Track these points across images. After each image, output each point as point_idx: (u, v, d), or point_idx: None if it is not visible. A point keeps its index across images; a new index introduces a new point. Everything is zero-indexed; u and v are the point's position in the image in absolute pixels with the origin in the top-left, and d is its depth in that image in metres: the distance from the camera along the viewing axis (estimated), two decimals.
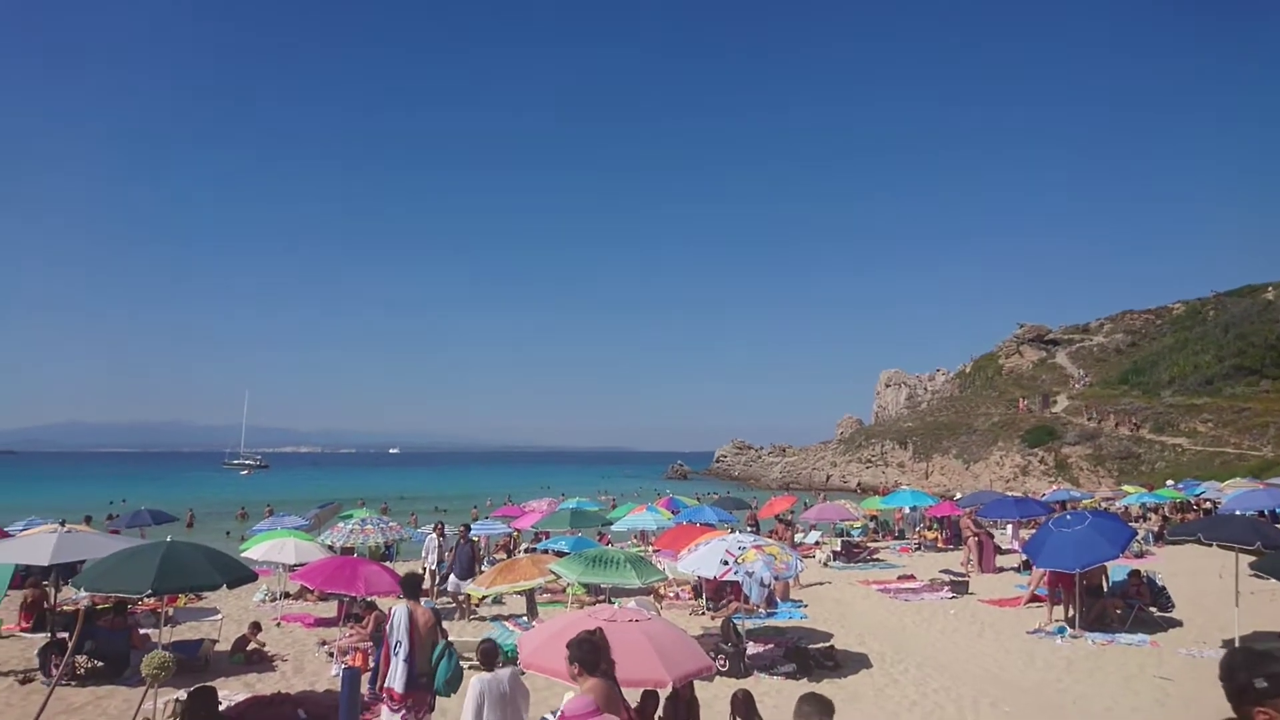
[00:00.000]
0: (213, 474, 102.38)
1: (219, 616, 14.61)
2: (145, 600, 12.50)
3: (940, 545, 26.05)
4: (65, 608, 13.56)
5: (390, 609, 7.31)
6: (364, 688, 8.19)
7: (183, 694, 9.06)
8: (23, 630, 13.45)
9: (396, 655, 7.01)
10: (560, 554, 15.74)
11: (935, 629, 14.06)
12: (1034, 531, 18.09)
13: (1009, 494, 33.61)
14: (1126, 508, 31.50)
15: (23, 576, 16.23)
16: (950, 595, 16.96)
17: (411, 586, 7.60)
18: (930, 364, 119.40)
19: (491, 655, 6.61)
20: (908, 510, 29.46)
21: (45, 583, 14.65)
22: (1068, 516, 14.98)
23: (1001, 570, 20.33)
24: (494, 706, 5.97)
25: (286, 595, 17.35)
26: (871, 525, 29.52)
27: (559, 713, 4.94)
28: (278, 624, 14.54)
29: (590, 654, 4.87)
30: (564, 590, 16.15)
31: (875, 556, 23.78)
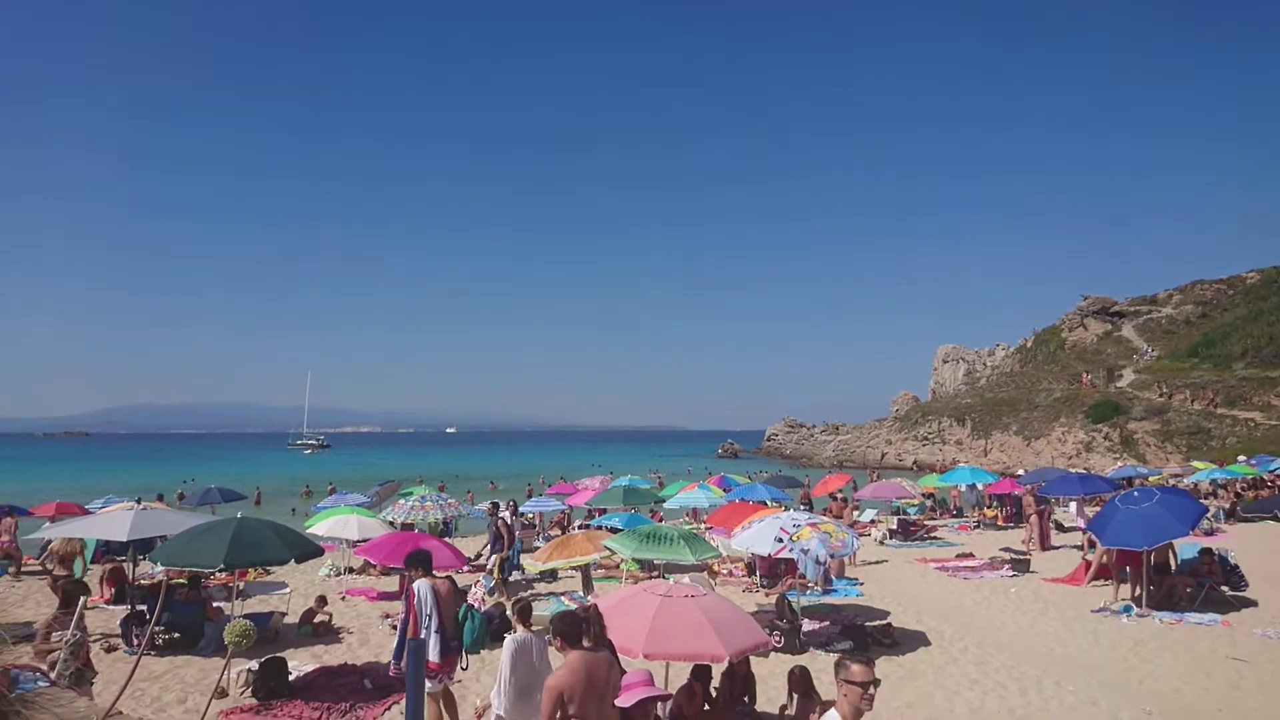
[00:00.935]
0: (278, 453, 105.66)
1: (287, 590, 15.10)
2: (217, 574, 13.11)
3: (1000, 523, 25.56)
4: (143, 581, 14.17)
5: (412, 586, 7.58)
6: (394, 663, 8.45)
7: (254, 664, 9.42)
8: (105, 602, 14.12)
9: (428, 628, 7.33)
10: (614, 530, 15.89)
11: (995, 607, 13.83)
12: (1099, 509, 17.63)
13: (1072, 470, 32.75)
14: (1196, 484, 30.46)
15: (103, 552, 17.05)
16: (1011, 574, 16.66)
17: (423, 562, 7.87)
18: (989, 338, 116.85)
19: (526, 614, 6.92)
20: (965, 488, 28.91)
21: (122, 558, 15.35)
22: (1135, 493, 14.56)
23: (1059, 548, 19.90)
24: (525, 661, 6.34)
25: (350, 570, 17.86)
26: (928, 503, 29.06)
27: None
28: (343, 598, 14.98)
29: (571, 628, 5.17)
30: (618, 566, 16.33)
31: (933, 535, 23.44)
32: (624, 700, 4.97)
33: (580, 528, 22.89)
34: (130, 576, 14.27)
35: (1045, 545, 19.97)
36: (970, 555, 19.16)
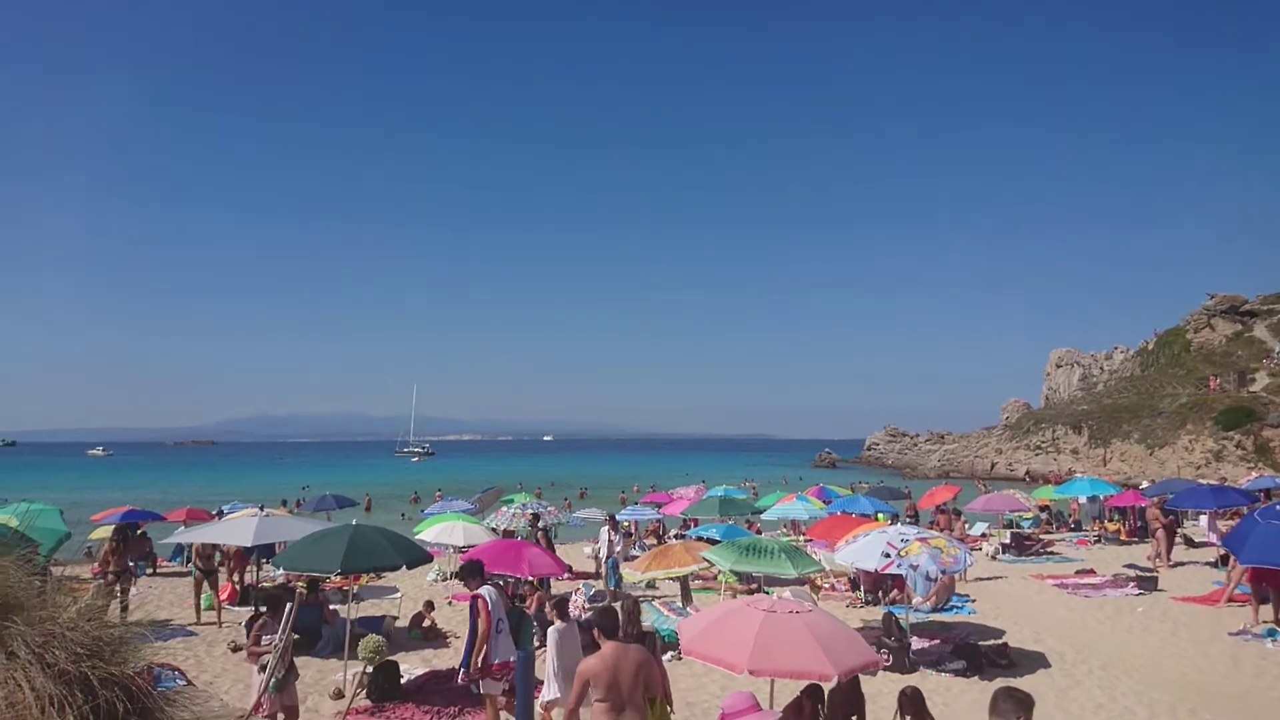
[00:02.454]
0: (386, 461, 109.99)
1: (398, 595, 15.64)
2: (333, 579, 13.71)
3: (1123, 538, 24.07)
4: (264, 584, 14.95)
5: (480, 593, 7.87)
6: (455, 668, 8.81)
7: (369, 667, 9.78)
8: (228, 603, 14.96)
9: (500, 632, 7.81)
10: (712, 541, 15.76)
11: (1121, 628, 13.01)
12: (1234, 523, 16.36)
13: (1202, 482, 30.54)
14: None
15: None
16: (1137, 592, 15.64)
17: (478, 571, 8.24)
18: (1106, 341, 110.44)
19: (563, 607, 7.99)
20: (1085, 500, 27.37)
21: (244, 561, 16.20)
22: (1277, 506, 13.43)
23: (1187, 564, 18.59)
24: (569, 648, 7.26)
25: (454, 576, 18.35)
26: (1044, 516, 27.67)
27: (720, 711, 5.06)
28: (449, 602, 15.40)
29: (608, 620, 5.97)
30: (715, 578, 16.18)
31: (1049, 549, 22.29)
32: None
33: (676, 537, 22.86)
34: (254, 579, 15.09)
35: (1170, 560, 18.70)
36: (1091, 571, 18.10)
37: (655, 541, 23.56)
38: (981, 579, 17.66)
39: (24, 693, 3.63)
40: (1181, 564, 18.76)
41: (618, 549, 16.53)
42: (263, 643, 7.77)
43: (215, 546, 15.46)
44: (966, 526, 23.97)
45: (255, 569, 15.45)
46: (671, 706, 6.37)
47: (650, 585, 16.32)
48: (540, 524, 19.03)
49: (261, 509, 18.61)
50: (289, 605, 7.61)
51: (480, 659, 7.69)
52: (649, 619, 13.24)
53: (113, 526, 17.04)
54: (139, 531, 17.19)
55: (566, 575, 16.59)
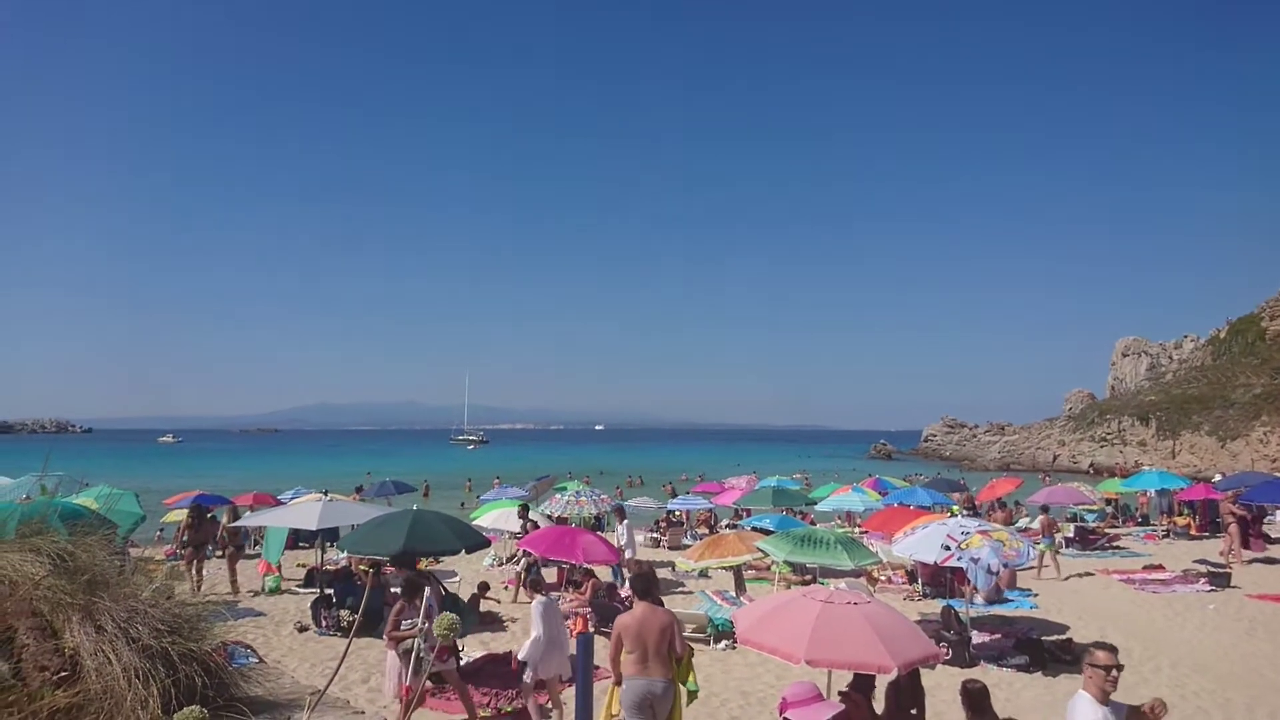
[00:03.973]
0: (441, 449, 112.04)
1: (457, 579, 15.93)
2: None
3: (1193, 533, 23.25)
4: (329, 567, 15.38)
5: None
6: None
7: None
8: (295, 586, 15.43)
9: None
10: (766, 532, 15.68)
11: (1191, 625, 12.58)
12: None
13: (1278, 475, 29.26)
14: None
15: (295, 539, 18.66)
16: (1209, 588, 15.10)
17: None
18: (1176, 329, 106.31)
19: (539, 585, 8.68)
20: (1154, 494, 26.49)
21: (303, 544, 16.73)
22: None
23: (1262, 561, 17.84)
24: (551, 619, 8.03)
25: (511, 560, 18.63)
26: (1109, 510, 26.86)
27: (780, 699, 5.03)
28: (505, 587, 15.63)
29: (642, 582, 6.78)
30: (769, 568, 16.11)
31: (1115, 544, 21.64)
32: (804, 715, 4.87)
33: (728, 527, 22.82)
34: (319, 562, 15.53)
35: (1243, 556, 17.98)
36: (1160, 567, 17.52)
37: (707, 531, 23.55)
38: (1041, 571, 17.25)
39: (112, 665, 3.82)
40: (1258, 560, 18.05)
41: (623, 540, 16.32)
42: (403, 627, 7.94)
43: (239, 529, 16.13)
44: (1026, 519, 23.39)
45: (320, 551, 15.89)
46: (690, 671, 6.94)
47: (703, 574, 16.33)
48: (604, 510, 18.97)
49: (325, 494, 19.20)
50: (426, 589, 7.87)
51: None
52: (701, 608, 13.26)
53: (185, 510, 17.83)
54: (209, 515, 17.89)
55: (618, 563, 16.68)
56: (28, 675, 3.70)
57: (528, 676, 7.88)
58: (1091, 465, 60.10)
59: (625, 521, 16.96)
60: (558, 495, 21.73)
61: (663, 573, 17.14)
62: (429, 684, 9.49)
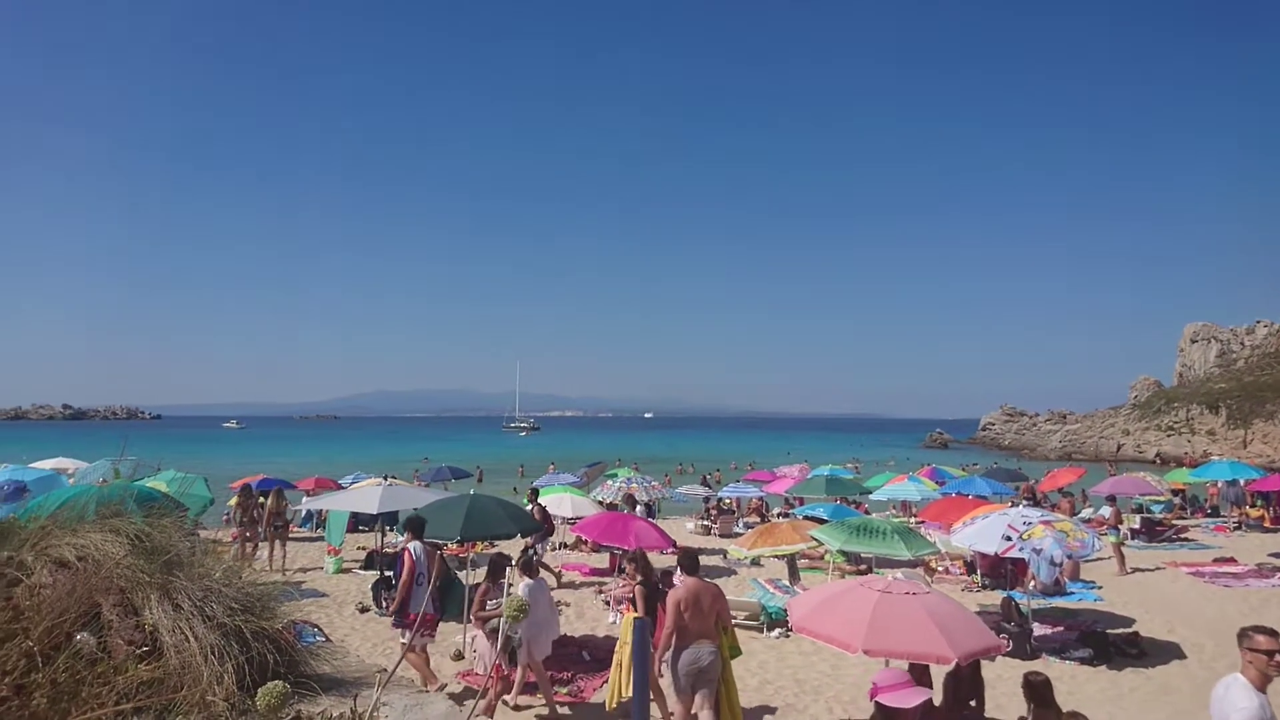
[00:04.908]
0: (494, 435, 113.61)
1: (512, 563, 16.15)
2: (452, 545, 14.29)
3: (1267, 525, 22.33)
4: (389, 550, 15.74)
5: (408, 546, 8.78)
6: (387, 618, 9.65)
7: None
8: (358, 567, 15.82)
9: (420, 585, 8.51)
10: (820, 521, 15.54)
11: (1267, 620, 11.97)
12: None
13: None
14: None
15: (355, 523, 19.12)
16: None
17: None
18: (1248, 314, 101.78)
19: (529, 567, 8.84)
20: (1224, 484, 25.48)
21: (364, 527, 17.14)
22: None
23: None
24: (540, 600, 8.20)
25: (564, 545, 18.81)
26: (1177, 501, 25.95)
27: (871, 684, 5.02)
28: (558, 572, 15.80)
29: (689, 560, 7.49)
30: (822, 557, 15.98)
31: (1183, 535, 20.93)
32: (896, 699, 4.83)
33: (780, 516, 22.67)
34: (379, 545, 15.90)
35: None
36: (1231, 560, 16.88)
37: (758, 520, 23.44)
38: (1107, 561, 16.77)
39: (189, 642, 3.97)
40: None
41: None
42: (488, 607, 8.11)
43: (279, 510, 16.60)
44: (1090, 510, 22.74)
45: (380, 534, 16.27)
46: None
47: (755, 562, 16.28)
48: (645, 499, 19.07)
49: (386, 478, 19.64)
50: (508, 568, 8.07)
51: (395, 607, 8.59)
52: (754, 595, 13.23)
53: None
54: (258, 497, 18.54)
55: (671, 550, 16.72)
56: (113, 649, 3.87)
57: (522, 656, 8.15)
58: (1158, 455, 58.26)
59: (638, 510, 17.06)
60: (609, 481, 21.84)
61: (714, 560, 17.14)
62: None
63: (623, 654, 7.67)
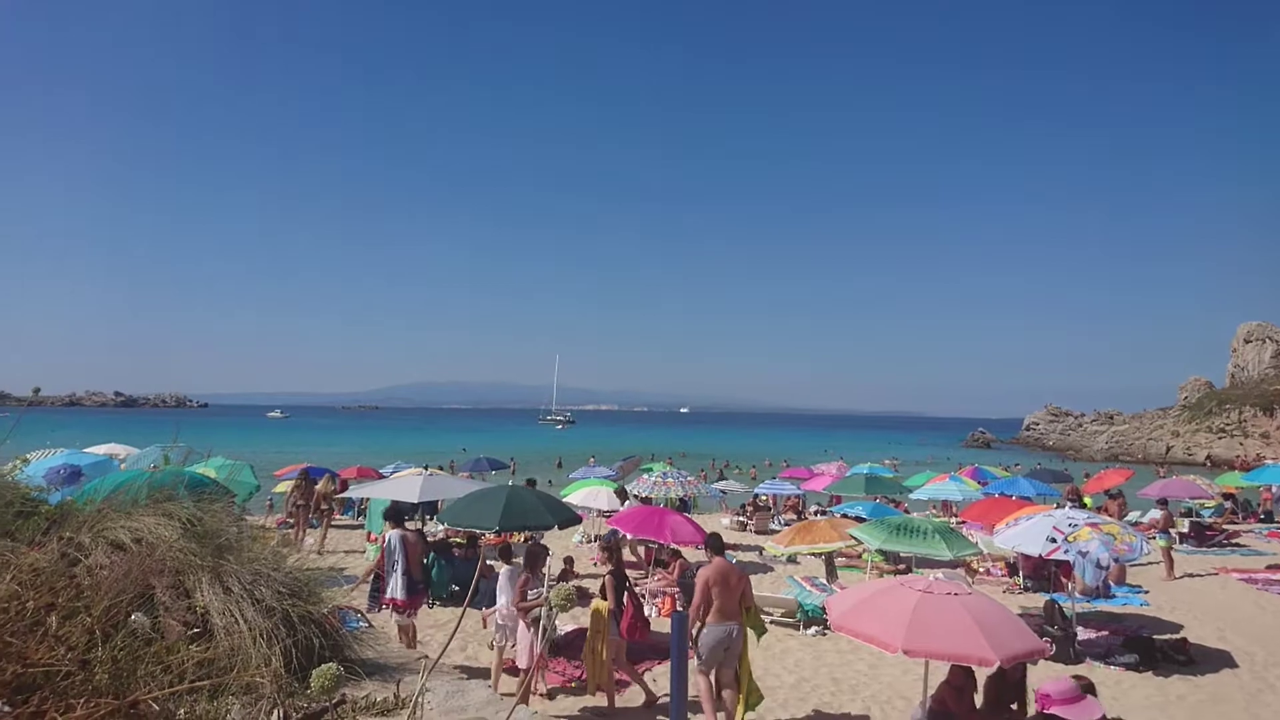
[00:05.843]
0: (530, 428, 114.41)
1: (549, 554, 16.26)
2: (489, 536, 14.44)
3: None
4: (428, 539, 15.95)
5: (384, 535, 9.41)
6: (365, 603, 9.99)
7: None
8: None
9: (395, 570, 9.04)
10: (859, 519, 15.40)
11: None
12: None
13: None
14: None
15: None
16: None
17: (397, 515, 9.69)
18: None
19: (507, 554, 9.46)
20: (1277, 488, 24.72)
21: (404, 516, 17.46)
22: None
23: None
24: (509, 584, 8.55)
25: (599, 538, 18.88)
26: (1228, 505, 25.22)
27: (1039, 692, 4.94)
28: (594, 564, 15.88)
29: (717, 542, 8.09)
30: (860, 556, 15.83)
31: (1235, 541, 20.35)
32: (1073, 712, 4.73)
33: (818, 513, 22.49)
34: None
35: None
36: None
37: (795, 517, 23.29)
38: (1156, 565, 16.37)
39: (239, 624, 4.06)
40: None
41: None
42: (529, 597, 8.20)
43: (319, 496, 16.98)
44: (1138, 513, 22.21)
45: (420, 523, 16.48)
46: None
47: (791, 560, 16.18)
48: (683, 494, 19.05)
49: (426, 468, 19.89)
50: (548, 559, 8.20)
51: (381, 596, 9.27)
52: (790, 593, 13.15)
53: (294, 480, 18.89)
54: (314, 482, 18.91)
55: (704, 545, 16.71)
56: (166, 630, 3.97)
57: (496, 636, 8.71)
58: (1208, 458, 56.71)
59: (628, 503, 16.90)
60: (644, 476, 21.86)
61: (749, 556, 17.10)
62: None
63: (594, 643, 8.15)
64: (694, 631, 7.30)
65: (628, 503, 17.29)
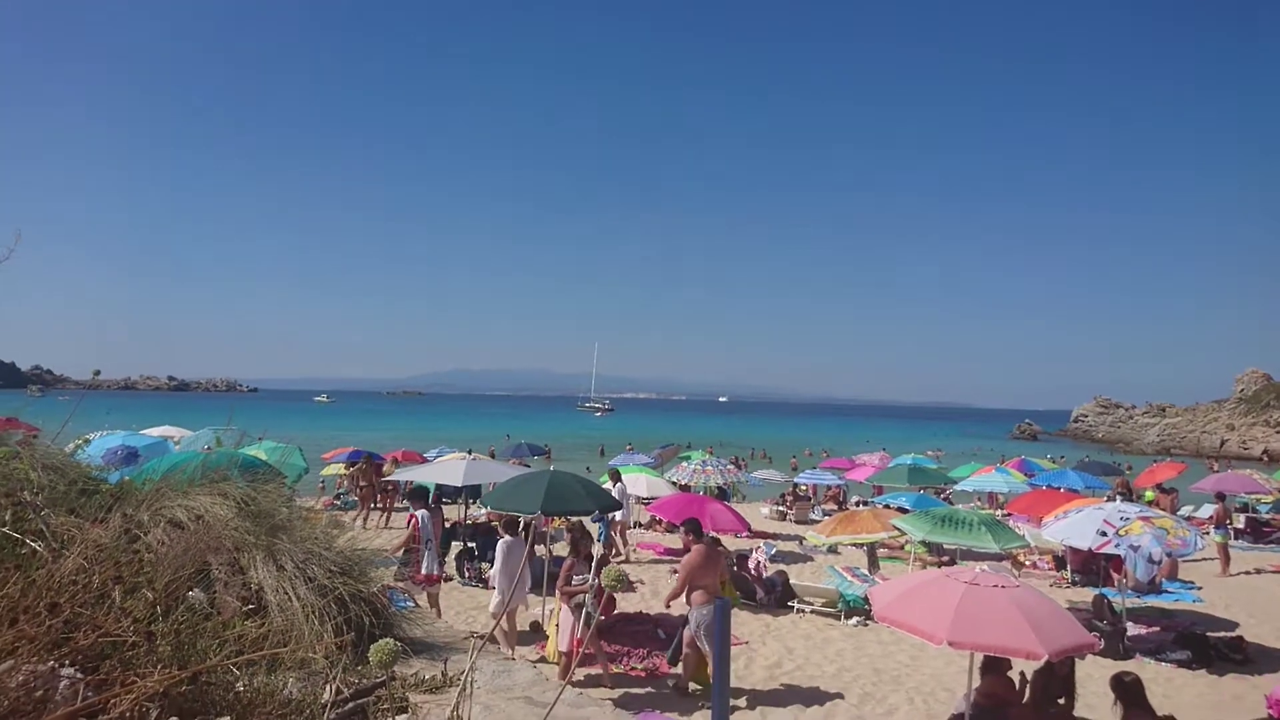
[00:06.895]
0: (569, 415, 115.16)
1: (593, 540, 16.37)
2: (531, 519, 14.59)
3: None
4: (470, 522, 16.18)
5: (415, 513, 9.77)
6: (398, 580, 9.69)
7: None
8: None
9: (429, 549, 9.53)
10: (902, 510, 15.22)
11: None
12: None
13: None
14: None
15: (438, 495, 19.71)
16: None
17: (422, 496, 10.37)
18: None
19: (512, 526, 9.67)
20: None
21: (446, 500, 17.87)
22: None
23: None
24: (514, 557, 8.90)
25: (638, 525, 18.96)
26: None
27: (1271, 697, 4.86)
28: (633, 550, 15.95)
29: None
30: (902, 547, 15.67)
31: None
32: None
33: (859, 504, 22.27)
34: (462, 517, 16.36)
35: None
36: None
37: (835, 507, 23.11)
38: (1211, 561, 15.93)
39: (292, 602, 4.17)
40: None
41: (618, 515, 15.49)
42: (574, 582, 8.31)
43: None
44: (1191, 508, 21.62)
45: (464, 507, 16.73)
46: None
47: (832, 550, 16.06)
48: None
49: (469, 453, 20.17)
50: (592, 544, 8.33)
51: (415, 570, 9.47)
52: (831, 583, 13.06)
53: (342, 464, 19.39)
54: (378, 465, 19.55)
55: (745, 534, 16.66)
56: (221, 606, 4.09)
57: (494, 606, 9.12)
58: (1265, 452, 54.97)
59: (619, 485, 16.51)
60: (683, 464, 21.86)
61: (789, 546, 17.02)
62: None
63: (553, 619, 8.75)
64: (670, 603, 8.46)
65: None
